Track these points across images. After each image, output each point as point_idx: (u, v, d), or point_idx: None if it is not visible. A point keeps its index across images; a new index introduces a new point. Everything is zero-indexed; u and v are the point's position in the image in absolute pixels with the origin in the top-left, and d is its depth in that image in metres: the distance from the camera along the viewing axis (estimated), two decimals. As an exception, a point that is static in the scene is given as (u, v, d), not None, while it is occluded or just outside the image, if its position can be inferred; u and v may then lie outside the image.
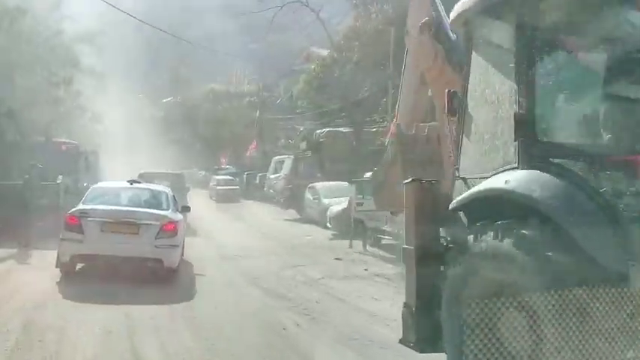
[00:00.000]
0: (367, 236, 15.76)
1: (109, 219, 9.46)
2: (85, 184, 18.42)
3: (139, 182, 11.68)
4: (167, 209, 10.21)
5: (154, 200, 10.54)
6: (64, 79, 24.49)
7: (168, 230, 9.54)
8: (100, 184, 12.04)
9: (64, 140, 19.84)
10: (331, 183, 22.31)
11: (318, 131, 27.31)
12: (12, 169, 16.50)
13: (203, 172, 49.42)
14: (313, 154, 25.53)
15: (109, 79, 44.04)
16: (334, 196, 20.88)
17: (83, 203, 10.04)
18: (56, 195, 15.89)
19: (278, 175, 34.23)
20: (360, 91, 34.99)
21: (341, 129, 27.90)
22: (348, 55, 40.59)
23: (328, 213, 18.84)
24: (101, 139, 42.96)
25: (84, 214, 9.45)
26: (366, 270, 12.77)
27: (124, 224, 9.42)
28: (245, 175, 41.28)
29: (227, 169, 51.18)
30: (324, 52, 45.50)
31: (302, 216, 24.85)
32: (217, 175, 42.27)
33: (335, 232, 18.80)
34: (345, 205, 18.61)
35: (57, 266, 9.57)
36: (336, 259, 14.37)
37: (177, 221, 10.04)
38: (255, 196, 38.66)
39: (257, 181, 38.34)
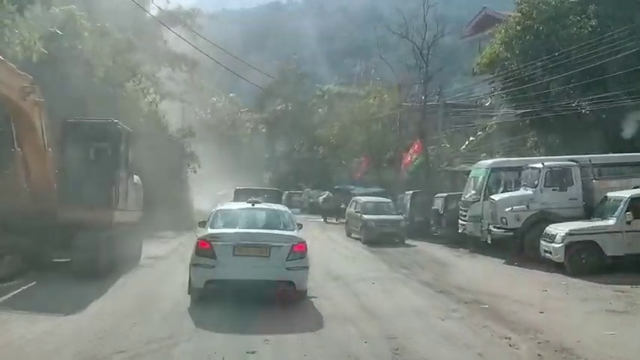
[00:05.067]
0: None
1: (241, 242, 8.27)
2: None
3: (260, 202, 9.72)
4: (293, 229, 8.95)
5: (279, 220, 9.22)
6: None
7: (299, 251, 8.35)
8: (222, 207, 9.99)
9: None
10: None
11: None
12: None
13: (325, 194, 31.18)
14: None
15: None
16: None
17: (210, 227, 8.80)
18: None
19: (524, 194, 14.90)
20: None
21: None
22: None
23: None
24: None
25: (215, 238, 8.33)
26: None
27: (255, 247, 8.27)
28: (409, 197, 22.20)
29: (348, 188, 32.76)
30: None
31: None
32: (359, 196, 23.56)
33: None
34: None
35: (189, 293, 8.46)
36: None
37: (305, 242, 8.61)
38: (433, 236, 19.66)
39: (439, 209, 19.25)
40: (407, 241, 19.48)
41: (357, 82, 44.43)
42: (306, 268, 8.42)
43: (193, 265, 8.30)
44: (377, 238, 19.13)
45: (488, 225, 14.97)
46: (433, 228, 19.63)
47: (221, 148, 49.09)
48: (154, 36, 30.92)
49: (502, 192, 15.88)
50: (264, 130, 56.75)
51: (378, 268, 13.20)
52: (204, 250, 8.18)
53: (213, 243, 8.17)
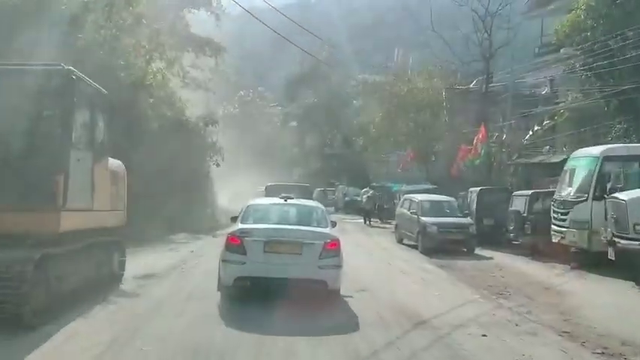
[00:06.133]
0: None
1: (272, 238, 7.82)
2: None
3: (292, 198, 9.22)
4: (326, 226, 8.37)
5: (312, 217, 8.70)
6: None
7: (332, 249, 7.85)
8: (254, 202, 9.53)
9: None
10: None
11: None
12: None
13: (369, 191, 26.88)
14: None
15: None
16: None
17: (241, 222, 8.35)
18: None
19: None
20: None
21: None
22: None
23: None
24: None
25: (245, 233, 7.88)
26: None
27: (287, 244, 7.77)
28: (475, 195, 17.76)
29: (386, 185, 28.53)
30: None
31: None
32: (414, 194, 19.18)
33: None
34: None
35: (218, 289, 7.99)
36: None
37: (339, 239, 8.10)
38: (510, 244, 15.33)
39: (521, 211, 14.80)
40: (480, 253, 15.18)
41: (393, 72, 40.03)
42: (340, 267, 7.95)
43: (223, 261, 7.94)
44: (438, 246, 14.91)
45: (612, 235, 10.56)
46: (512, 235, 15.23)
47: (249, 143, 45.55)
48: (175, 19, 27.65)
49: (612, 189, 11.56)
50: (294, 124, 53.11)
51: (467, 298, 8.94)
52: (234, 245, 7.80)
53: (243, 239, 7.77)
